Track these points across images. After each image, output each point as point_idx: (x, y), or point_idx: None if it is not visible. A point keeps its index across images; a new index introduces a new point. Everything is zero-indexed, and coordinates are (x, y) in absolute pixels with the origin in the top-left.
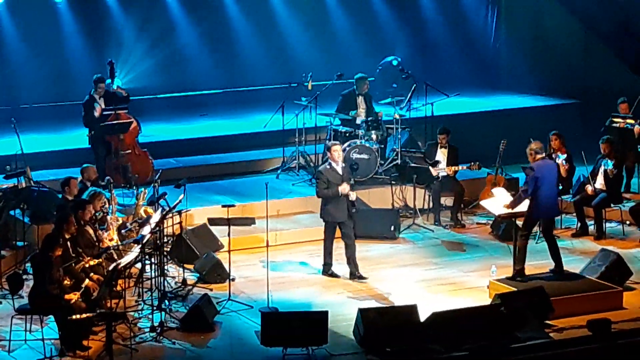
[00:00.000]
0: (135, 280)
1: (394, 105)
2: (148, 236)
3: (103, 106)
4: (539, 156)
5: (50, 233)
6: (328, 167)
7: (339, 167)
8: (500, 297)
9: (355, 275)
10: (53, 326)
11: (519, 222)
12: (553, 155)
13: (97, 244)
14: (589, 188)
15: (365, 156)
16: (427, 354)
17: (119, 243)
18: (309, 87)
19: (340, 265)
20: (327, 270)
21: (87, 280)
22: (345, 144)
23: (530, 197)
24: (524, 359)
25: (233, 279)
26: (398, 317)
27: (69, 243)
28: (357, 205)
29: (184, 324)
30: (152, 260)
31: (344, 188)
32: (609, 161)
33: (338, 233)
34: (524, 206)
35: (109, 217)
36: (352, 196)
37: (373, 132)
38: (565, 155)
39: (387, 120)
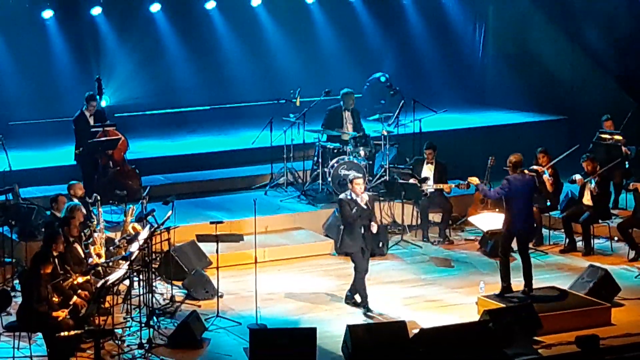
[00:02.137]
0: (124, 297)
1: (382, 121)
2: (136, 253)
3: (92, 124)
4: (517, 170)
5: (40, 250)
6: (349, 197)
7: (360, 200)
8: (488, 314)
9: (359, 304)
10: (41, 343)
11: None
12: (540, 171)
13: (85, 261)
14: (577, 177)
15: (353, 172)
16: None
17: (107, 260)
18: (297, 104)
19: (329, 281)
20: (363, 305)
21: (75, 297)
22: (333, 161)
23: (505, 212)
24: None
25: (221, 296)
26: (386, 334)
27: (56, 260)
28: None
29: (172, 341)
30: (141, 277)
31: (374, 226)
32: (592, 179)
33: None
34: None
35: (95, 234)
36: (374, 228)
37: (361, 148)
38: (550, 171)
39: (375, 136)
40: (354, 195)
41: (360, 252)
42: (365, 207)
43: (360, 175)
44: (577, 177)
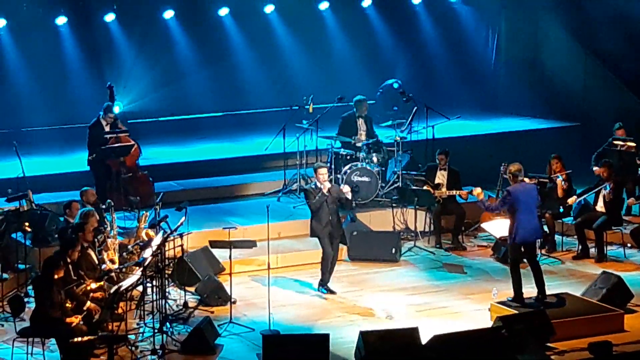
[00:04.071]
0: (137, 303)
1: (395, 128)
2: (149, 259)
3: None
4: (517, 179)
5: (51, 255)
6: (313, 187)
7: (324, 189)
8: (501, 320)
9: (327, 286)
10: (55, 349)
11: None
12: (553, 177)
13: (98, 267)
14: (569, 200)
15: (366, 179)
16: None
17: (121, 266)
18: (310, 110)
19: (342, 287)
20: (323, 285)
21: (88, 303)
22: (347, 167)
23: (509, 221)
24: None
25: (234, 302)
26: (399, 340)
27: (70, 266)
28: (355, 220)
29: (185, 347)
30: (154, 282)
31: (346, 189)
32: (607, 185)
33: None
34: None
35: (109, 240)
36: (346, 188)
37: (374, 154)
38: (564, 175)
39: (388, 142)
40: (318, 184)
41: (327, 237)
42: (327, 193)
43: (324, 164)
44: (570, 200)
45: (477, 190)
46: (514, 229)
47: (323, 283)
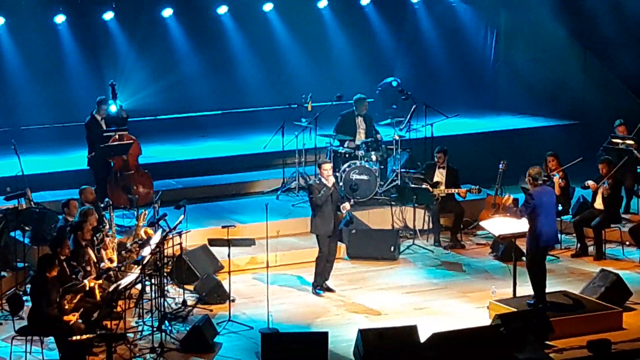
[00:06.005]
0: (136, 301)
1: (394, 126)
2: (148, 257)
3: (104, 128)
4: (538, 182)
5: (46, 254)
6: (318, 182)
7: (328, 184)
8: (500, 318)
9: (322, 287)
10: (53, 347)
11: (519, 243)
12: (550, 175)
13: (97, 265)
14: (590, 182)
15: (365, 177)
16: None
17: (119, 264)
18: (309, 108)
19: (341, 285)
20: (317, 286)
21: (87, 283)
22: (345, 165)
23: (529, 225)
24: None
25: (233, 300)
26: (398, 338)
27: (64, 264)
28: (353, 221)
29: (184, 345)
30: (152, 281)
31: (347, 205)
32: (605, 181)
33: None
34: (522, 226)
35: (107, 239)
36: (348, 206)
37: (373, 153)
38: (560, 174)
39: (387, 141)
40: (323, 180)
41: (327, 235)
42: (332, 187)
43: (328, 160)
44: (590, 182)
45: (507, 197)
46: (537, 233)
47: (317, 284)
